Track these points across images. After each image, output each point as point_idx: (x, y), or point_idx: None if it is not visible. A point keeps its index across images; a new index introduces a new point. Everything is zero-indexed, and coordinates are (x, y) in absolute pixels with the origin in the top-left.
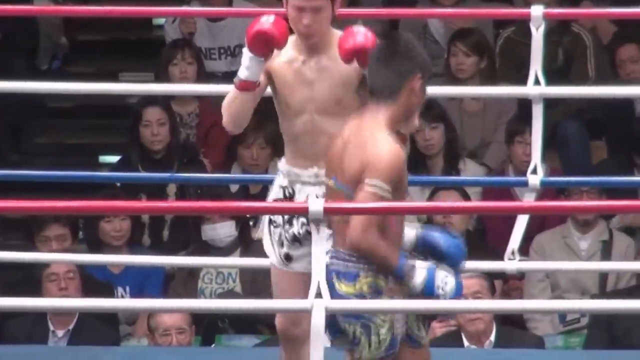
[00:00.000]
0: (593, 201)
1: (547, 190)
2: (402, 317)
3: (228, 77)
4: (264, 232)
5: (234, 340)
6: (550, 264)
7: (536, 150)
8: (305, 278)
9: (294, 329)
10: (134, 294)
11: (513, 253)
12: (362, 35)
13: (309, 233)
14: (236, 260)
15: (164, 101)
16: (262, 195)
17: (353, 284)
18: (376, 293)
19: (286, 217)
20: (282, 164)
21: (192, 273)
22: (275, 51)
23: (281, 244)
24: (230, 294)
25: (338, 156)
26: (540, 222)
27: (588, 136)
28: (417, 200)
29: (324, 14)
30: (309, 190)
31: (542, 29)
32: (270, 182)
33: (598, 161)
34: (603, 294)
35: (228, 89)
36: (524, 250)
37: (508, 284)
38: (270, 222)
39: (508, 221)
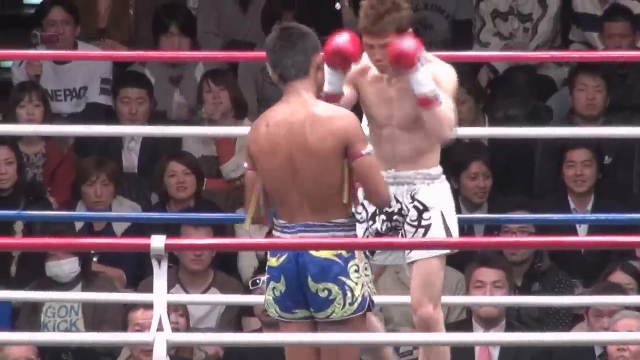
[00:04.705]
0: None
1: None
2: (371, 280)
3: (73, 118)
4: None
5: None
6: (384, 298)
7: None
8: (380, 271)
9: None
10: None
11: None
12: (410, 42)
13: (390, 230)
14: (80, 295)
15: (12, 142)
16: (106, 232)
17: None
18: (352, 255)
19: (370, 214)
20: None
21: (35, 308)
22: (364, 66)
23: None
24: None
25: (294, 138)
26: None
27: None
28: None
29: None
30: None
31: None
32: (115, 220)
33: None
34: None
35: (73, 130)
36: None
37: None
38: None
39: None
